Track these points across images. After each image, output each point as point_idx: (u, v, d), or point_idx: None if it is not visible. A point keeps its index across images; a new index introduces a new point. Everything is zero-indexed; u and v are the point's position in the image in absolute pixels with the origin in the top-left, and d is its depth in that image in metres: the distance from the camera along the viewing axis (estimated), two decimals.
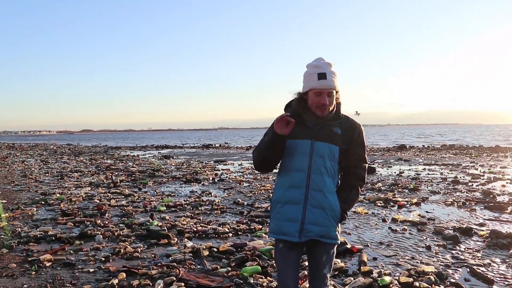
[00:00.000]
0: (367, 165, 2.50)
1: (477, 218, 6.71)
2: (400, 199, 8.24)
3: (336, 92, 2.37)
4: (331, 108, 2.36)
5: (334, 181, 2.39)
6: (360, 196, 8.71)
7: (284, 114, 2.21)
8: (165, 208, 7.66)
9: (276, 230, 2.40)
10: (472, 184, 10.40)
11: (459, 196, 8.75)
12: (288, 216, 2.34)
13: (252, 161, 2.44)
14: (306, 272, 3.80)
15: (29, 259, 4.61)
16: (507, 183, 10.60)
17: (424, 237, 5.57)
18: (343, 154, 2.37)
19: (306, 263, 2.55)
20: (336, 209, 2.35)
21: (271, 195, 2.50)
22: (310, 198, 2.31)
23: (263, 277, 4.05)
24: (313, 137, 2.34)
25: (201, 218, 6.87)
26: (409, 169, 14.46)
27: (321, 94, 2.31)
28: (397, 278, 4.02)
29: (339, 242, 2.45)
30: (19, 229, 6.04)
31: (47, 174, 14.06)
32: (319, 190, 2.32)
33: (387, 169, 14.79)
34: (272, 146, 2.31)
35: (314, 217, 2.31)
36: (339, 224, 2.44)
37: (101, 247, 5.15)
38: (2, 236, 5.66)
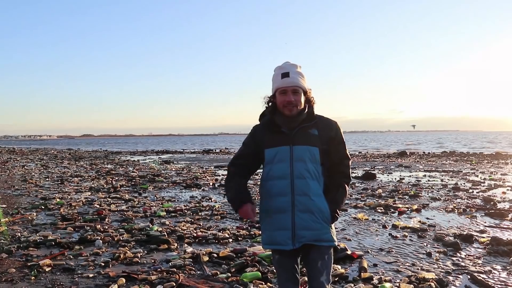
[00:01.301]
0: (350, 161, 2.48)
1: (477, 225, 6.69)
2: (400, 206, 8.22)
3: (305, 92, 2.38)
4: (299, 107, 2.36)
5: (320, 183, 2.35)
6: (360, 202, 8.77)
7: (252, 219, 2.47)
8: (165, 213, 7.65)
9: (269, 240, 2.39)
10: (473, 191, 10.37)
11: (459, 202, 8.73)
12: (278, 225, 2.33)
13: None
14: (306, 278, 3.79)
15: (29, 264, 4.60)
16: (507, 190, 10.57)
17: (425, 244, 5.56)
18: (324, 155, 2.35)
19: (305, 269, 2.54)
20: (325, 210, 2.32)
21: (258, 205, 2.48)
22: (297, 203, 2.30)
23: (263, 283, 4.04)
24: (291, 142, 2.33)
25: (201, 224, 6.87)
26: (410, 176, 14.45)
27: (286, 92, 2.33)
28: (397, 284, 4.01)
29: (335, 244, 2.40)
30: (19, 234, 6.03)
31: (47, 179, 14.06)
32: (304, 194, 2.30)
33: (388, 175, 14.78)
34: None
35: (303, 222, 2.29)
36: (332, 225, 2.40)
37: (100, 252, 5.14)
38: (2, 240, 5.65)
